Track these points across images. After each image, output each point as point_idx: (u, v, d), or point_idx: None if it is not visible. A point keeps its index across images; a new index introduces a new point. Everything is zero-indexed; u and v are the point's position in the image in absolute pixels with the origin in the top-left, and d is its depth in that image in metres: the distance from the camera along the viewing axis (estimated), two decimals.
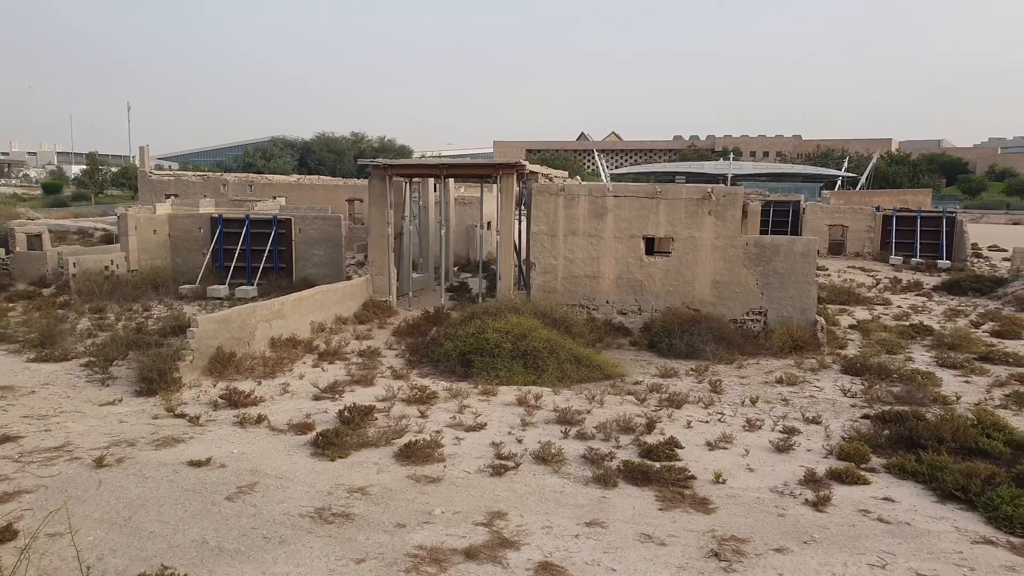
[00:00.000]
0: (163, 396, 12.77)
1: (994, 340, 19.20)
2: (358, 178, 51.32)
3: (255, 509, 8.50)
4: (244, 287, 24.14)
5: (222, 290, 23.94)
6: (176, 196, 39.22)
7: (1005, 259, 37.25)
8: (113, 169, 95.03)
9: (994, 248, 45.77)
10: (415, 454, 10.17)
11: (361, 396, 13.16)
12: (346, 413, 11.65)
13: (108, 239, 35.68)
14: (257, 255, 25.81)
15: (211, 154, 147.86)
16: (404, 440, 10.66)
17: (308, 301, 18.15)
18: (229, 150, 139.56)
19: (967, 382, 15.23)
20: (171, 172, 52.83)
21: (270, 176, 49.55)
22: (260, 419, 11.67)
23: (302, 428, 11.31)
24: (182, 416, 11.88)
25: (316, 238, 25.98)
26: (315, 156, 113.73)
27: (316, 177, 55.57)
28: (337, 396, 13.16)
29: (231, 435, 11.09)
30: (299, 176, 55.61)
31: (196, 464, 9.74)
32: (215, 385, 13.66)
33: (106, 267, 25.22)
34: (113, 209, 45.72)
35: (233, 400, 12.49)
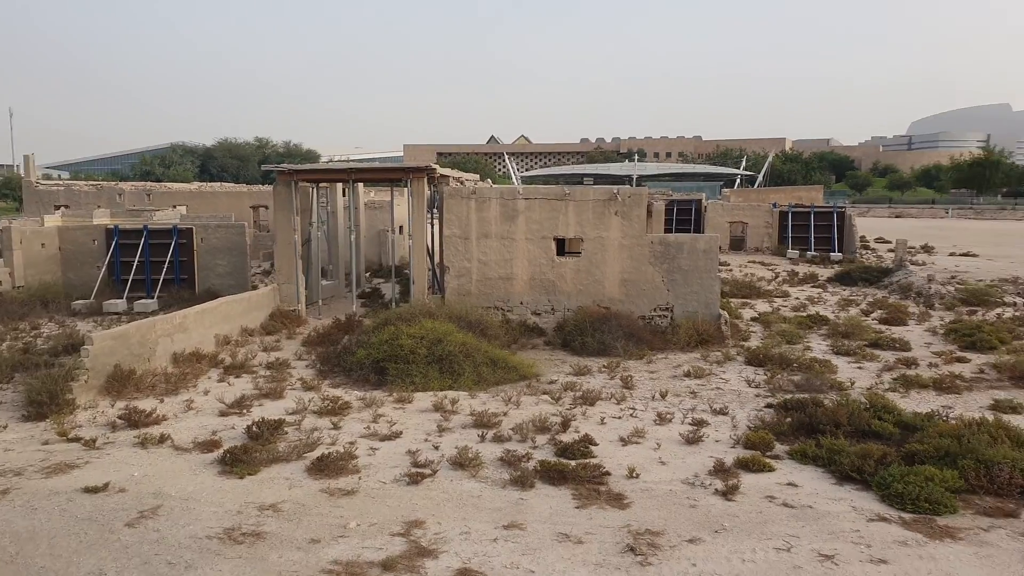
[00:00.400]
0: (54, 420, 12.05)
1: (882, 327, 20.34)
2: (263, 184, 49.97)
3: (158, 534, 8.14)
4: (143, 301, 23.12)
5: (119, 304, 22.85)
6: (67, 207, 37.16)
7: (890, 250, 39.48)
8: None
9: (880, 240, 48.44)
10: (328, 467, 9.97)
11: (270, 410, 12.80)
12: (255, 428, 11.31)
13: None
14: (157, 267, 24.76)
15: (105, 162, 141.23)
16: (316, 453, 10.43)
17: (212, 313, 17.54)
18: (125, 158, 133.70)
19: (860, 368, 16.07)
20: (60, 182, 50.08)
21: (170, 184, 47.60)
22: (163, 439, 11.19)
23: (208, 446, 10.91)
24: (76, 440, 11.24)
25: (220, 247, 25.14)
26: (217, 162, 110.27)
27: (219, 184, 53.76)
28: (245, 411, 12.76)
29: (131, 457, 10.58)
30: (200, 184, 53.67)
31: (92, 490, 9.24)
32: (113, 405, 13.01)
33: None
34: None
35: (133, 420, 11.93)
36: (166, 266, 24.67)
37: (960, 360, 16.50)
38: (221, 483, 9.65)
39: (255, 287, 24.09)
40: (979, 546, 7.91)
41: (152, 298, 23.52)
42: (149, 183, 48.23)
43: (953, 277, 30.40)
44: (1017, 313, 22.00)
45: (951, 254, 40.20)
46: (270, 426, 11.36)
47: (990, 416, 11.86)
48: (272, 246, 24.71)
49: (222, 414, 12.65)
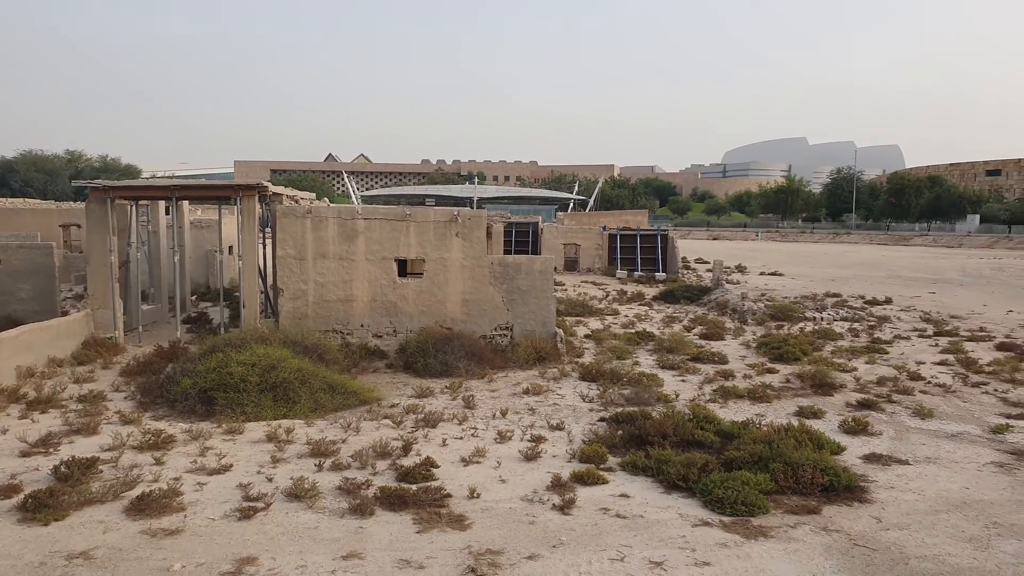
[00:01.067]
0: None
1: (703, 342, 21.78)
2: (75, 201, 46.13)
3: None
4: None
5: None
6: None
7: (708, 270, 42.47)
8: None
9: (700, 260, 52.02)
10: (149, 506, 9.25)
11: (83, 447, 11.72)
12: (63, 468, 10.28)
13: None
14: None
15: None
16: (136, 492, 9.67)
17: (12, 342, 15.89)
18: None
19: (683, 381, 17.09)
20: None
21: None
22: None
23: (6, 491, 9.78)
24: None
25: (22, 270, 22.86)
26: (20, 176, 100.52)
27: (21, 200, 49.07)
28: (52, 450, 11.60)
29: None
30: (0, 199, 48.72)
31: None
32: None
33: None
34: None
35: None
36: None
37: (770, 371, 17.93)
38: (21, 532, 8.69)
39: (65, 313, 22.12)
40: (787, 542, 8.61)
41: None
42: None
43: (763, 295, 33.19)
44: (816, 327, 24.31)
45: (761, 273, 43.90)
46: (81, 465, 10.39)
47: (795, 421, 13.00)
48: (85, 268, 22.81)
49: (24, 454, 11.43)
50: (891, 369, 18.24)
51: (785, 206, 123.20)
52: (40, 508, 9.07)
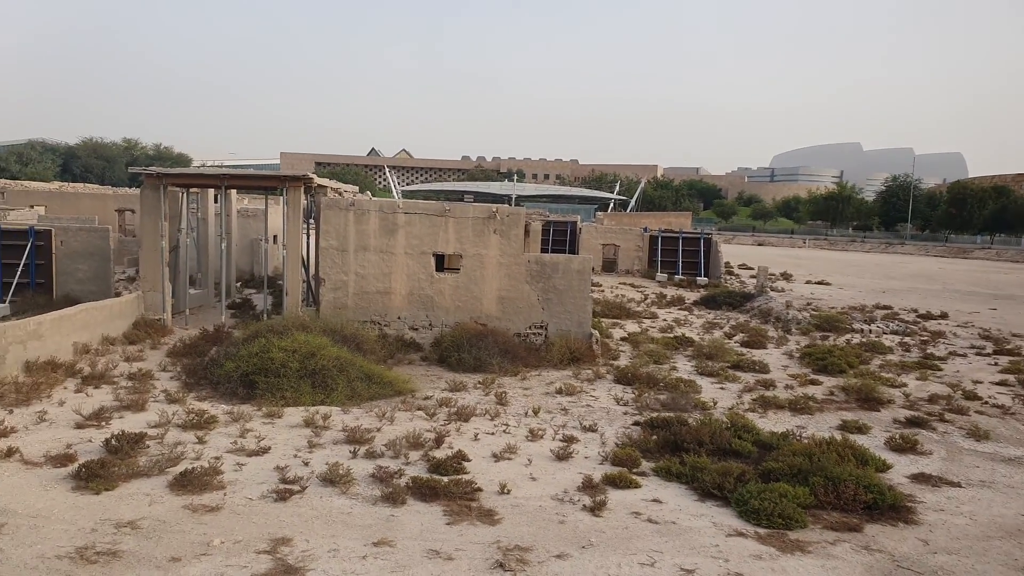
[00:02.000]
0: None
1: (744, 350, 21.52)
2: (130, 187, 47.38)
3: (2, 555, 7.56)
4: None
5: None
6: None
7: (752, 276, 41.94)
8: None
9: (743, 266, 51.36)
10: (192, 482, 9.56)
11: (131, 423, 12.13)
12: (114, 442, 10.69)
13: None
14: (10, 270, 22.92)
15: None
16: (180, 468, 9.99)
17: (71, 320, 16.45)
18: None
19: (722, 388, 16.93)
20: None
21: (27, 183, 44.41)
22: (11, 452, 10.38)
23: (62, 460, 10.22)
24: None
25: (81, 251, 23.58)
26: (81, 162, 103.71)
27: (82, 185, 50.57)
28: (104, 423, 12.04)
29: None
30: (62, 184, 50.25)
31: None
32: None
33: None
34: None
35: None
36: (20, 269, 22.92)
37: (813, 382, 17.61)
38: (75, 499, 9.06)
39: (118, 294, 22.75)
40: (826, 559, 8.48)
41: (4, 302, 21.77)
42: (3, 180, 44.80)
43: (808, 304, 32.67)
44: (863, 339, 23.84)
45: (807, 282, 43.17)
46: (130, 439, 10.77)
47: (838, 436, 12.72)
48: (138, 252, 23.43)
49: (79, 426, 11.88)
50: (944, 387, 17.55)
51: (835, 213, 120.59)
52: (92, 478, 9.46)
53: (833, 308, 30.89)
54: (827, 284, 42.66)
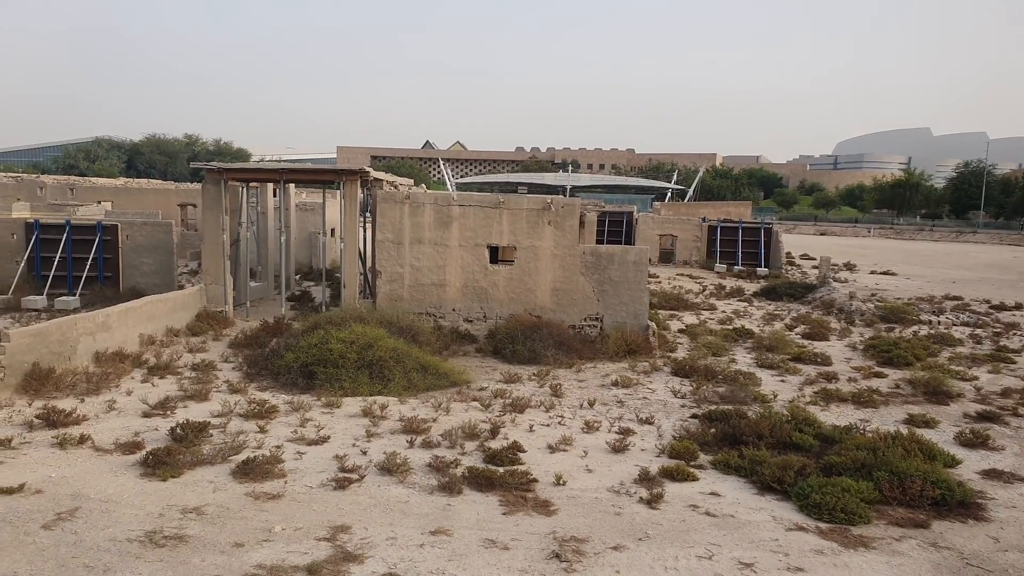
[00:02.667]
0: None
1: (805, 342, 21.04)
2: (192, 182, 48.72)
3: (76, 537, 7.87)
4: (65, 297, 22.24)
5: (39, 301, 21.94)
6: None
7: (814, 267, 40.90)
8: None
9: (805, 256, 50.15)
10: (254, 470, 9.79)
11: (195, 412, 12.48)
12: (179, 430, 11.02)
13: None
14: (79, 264, 23.85)
15: (26, 154, 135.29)
16: (242, 456, 10.23)
17: (136, 312, 17.01)
18: (47, 150, 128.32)
19: (783, 381, 16.59)
20: None
21: (94, 179, 46.04)
22: (83, 439, 10.80)
23: (130, 447, 10.58)
24: None
25: (145, 245, 24.38)
26: (144, 158, 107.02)
27: (145, 181, 52.18)
28: (169, 412, 12.41)
29: (49, 458, 10.19)
30: (127, 179, 51.99)
31: (6, 491, 8.86)
32: (31, 404, 12.50)
33: None
34: None
35: (51, 419, 11.48)
36: (89, 263, 23.80)
37: (878, 375, 17.15)
38: (143, 485, 9.37)
39: (181, 287, 23.43)
40: (891, 555, 8.25)
41: (74, 295, 22.67)
42: (73, 177, 46.54)
43: (873, 295, 31.71)
44: (931, 331, 23.05)
45: (872, 272, 41.91)
46: (195, 428, 11.09)
47: (904, 430, 12.39)
48: (200, 245, 24.07)
49: (145, 415, 12.28)
50: (1018, 380, 16.92)
51: (902, 201, 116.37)
52: (159, 465, 9.78)
53: (899, 299, 29.90)
54: (893, 274, 41.35)
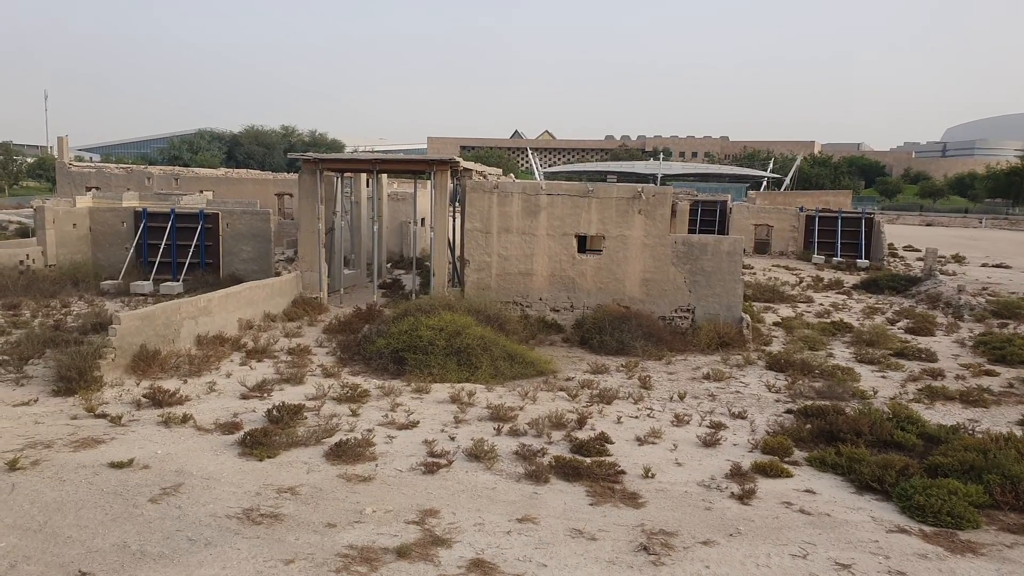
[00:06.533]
0: (83, 395, 12.28)
1: (908, 337, 20.06)
2: (288, 172, 50.35)
3: (180, 511, 8.27)
4: (169, 283, 23.43)
5: (146, 286, 23.19)
6: (97, 189, 37.75)
7: (919, 259, 38.95)
8: (29, 160, 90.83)
9: (909, 248, 47.79)
10: (346, 453, 10.05)
11: (290, 395, 12.92)
12: (275, 412, 11.43)
13: (24, 232, 34.15)
14: (183, 250, 25.08)
15: (135, 146, 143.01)
16: (335, 439, 10.52)
17: (236, 297, 17.72)
18: (154, 142, 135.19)
19: (883, 377, 15.87)
20: (92, 164, 50.79)
21: (197, 169, 48.15)
22: (186, 419, 11.35)
23: (229, 428, 11.04)
24: (103, 416, 11.45)
25: (244, 233, 25.38)
26: (243, 149, 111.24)
27: (244, 171, 54.25)
28: (266, 395, 12.90)
29: (155, 435, 10.75)
30: (227, 169, 54.19)
31: (117, 466, 9.41)
32: (138, 384, 13.22)
33: (21, 261, 24.07)
34: (29, 201, 43.69)
35: (157, 399, 12.11)
36: (192, 250, 24.97)
37: (989, 373, 16.23)
38: (241, 464, 9.76)
39: (278, 274, 24.28)
40: (1001, 563, 7.78)
41: (177, 281, 23.83)
42: (177, 167, 48.82)
43: (984, 288, 29.91)
44: None
45: (983, 265, 39.56)
46: (290, 410, 11.48)
47: (1018, 431, 11.68)
48: (296, 234, 24.88)
49: (243, 397, 12.80)
50: None
51: (1018, 190, 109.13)
52: (256, 445, 10.16)
53: (1014, 293, 28.11)
54: (1007, 267, 38.88)
